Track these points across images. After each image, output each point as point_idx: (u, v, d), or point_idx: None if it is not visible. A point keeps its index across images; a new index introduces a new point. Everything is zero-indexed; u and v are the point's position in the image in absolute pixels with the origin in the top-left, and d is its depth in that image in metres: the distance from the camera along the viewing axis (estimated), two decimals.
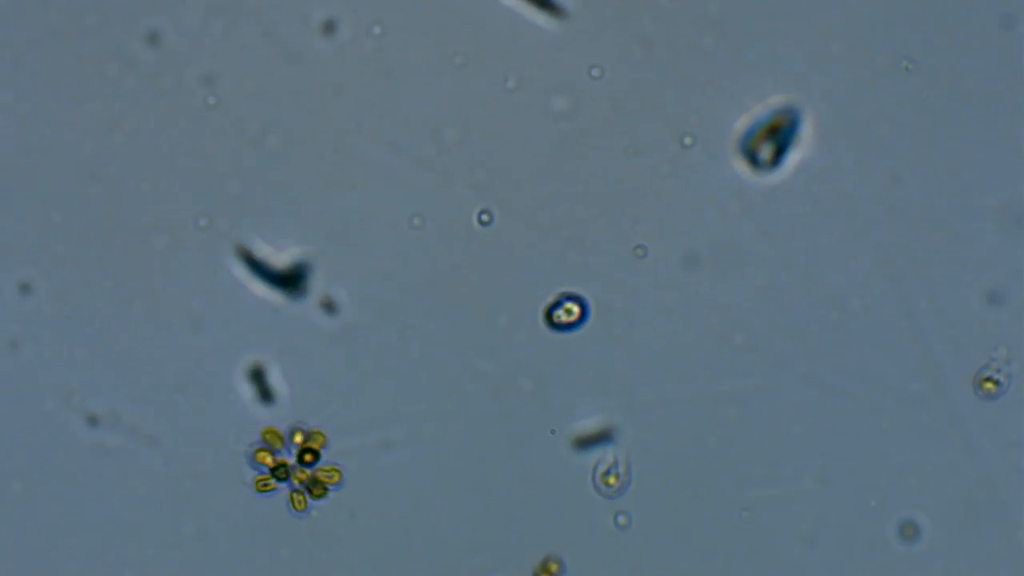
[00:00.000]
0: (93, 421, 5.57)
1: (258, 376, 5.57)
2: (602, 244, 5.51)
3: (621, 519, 5.54)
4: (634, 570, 5.56)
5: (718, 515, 5.55)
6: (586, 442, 5.55)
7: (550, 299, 5.53)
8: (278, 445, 5.50)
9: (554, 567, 5.57)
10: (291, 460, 5.50)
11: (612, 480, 5.52)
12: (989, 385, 5.47)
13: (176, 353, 5.58)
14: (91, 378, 5.58)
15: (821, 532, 5.52)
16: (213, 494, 5.58)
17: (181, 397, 5.58)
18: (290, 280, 5.56)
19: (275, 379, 5.57)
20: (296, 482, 5.50)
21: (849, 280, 5.49)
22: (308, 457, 5.51)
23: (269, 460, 5.50)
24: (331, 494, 5.52)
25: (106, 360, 5.59)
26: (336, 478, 5.49)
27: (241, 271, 5.55)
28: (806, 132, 5.45)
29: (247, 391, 5.57)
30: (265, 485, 5.51)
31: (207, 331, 5.56)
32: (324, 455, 5.50)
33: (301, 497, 5.51)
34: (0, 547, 5.58)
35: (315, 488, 5.51)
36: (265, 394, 5.57)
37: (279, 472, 5.49)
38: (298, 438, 5.50)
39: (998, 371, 5.46)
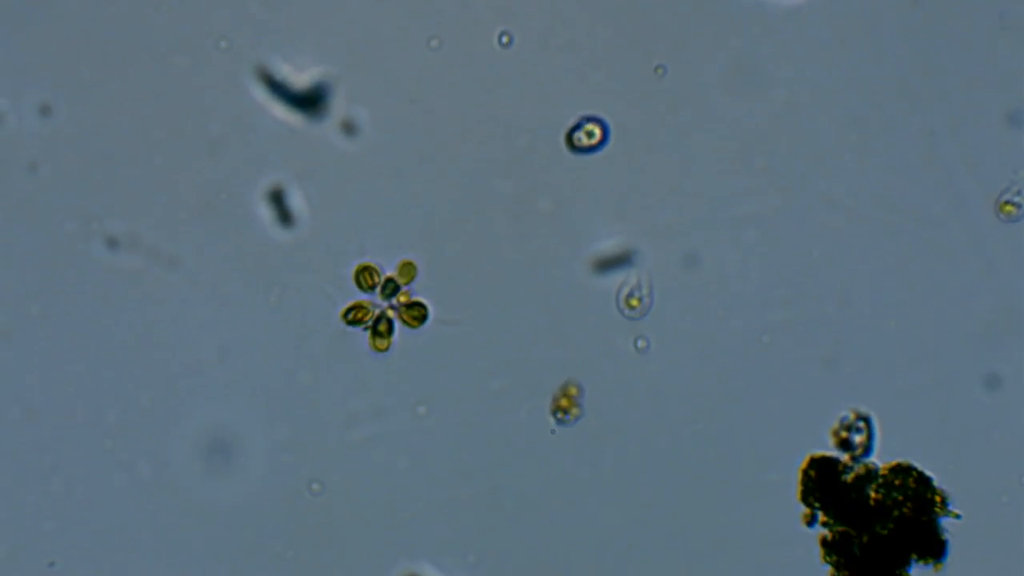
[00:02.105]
0: (112, 244, 5.56)
1: (277, 198, 5.57)
2: (623, 65, 5.50)
3: (640, 343, 5.54)
4: (653, 394, 5.56)
5: (737, 339, 5.54)
6: (606, 264, 5.55)
7: (571, 121, 5.52)
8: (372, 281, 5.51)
9: (573, 391, 5.57)
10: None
11: (635, 302, 5.51)
12: (1009, 208, 5.46)
13: (196, 175, 5.58)
14: (110, 201, 5.58)
15: (841, 355, 5.52)
16: (234, 316, 5.59)
17: (201, 219, 5.58)
18: (310, 101, 5.55)
19: (294, 201, 5.56)
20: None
21: (869, 102, 5.48)
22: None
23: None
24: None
25: (125, 183, 5.59)
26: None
27: (261, 93, 5.54)
28: None
29: (266, 213, 5.56)
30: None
31: (227, 153, 5.56)
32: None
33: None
34: (19, 369, 5.58)
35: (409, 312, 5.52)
36: (284, 216, 5.57)
37: (387, 288, 5.48)
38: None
39: (1018, 194, 5.45)
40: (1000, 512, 5.44)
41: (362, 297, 5.53)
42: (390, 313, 5.53)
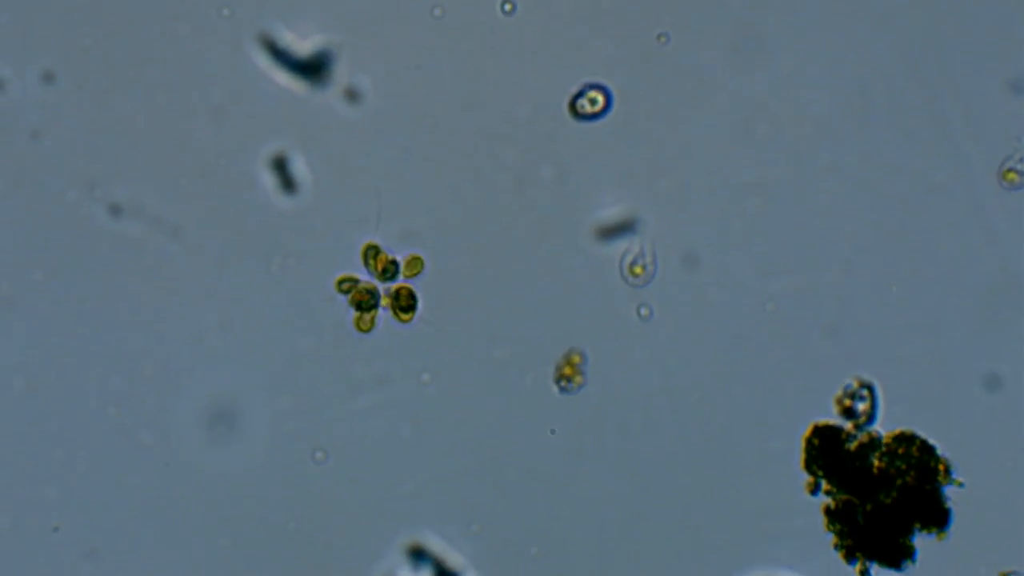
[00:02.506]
0: (116, 211, 5.56)
1: (280, 165, 5.56)
2: (626, 33, 5.50)
3: (643, 310, 5.54)
4: (656, 362, 5.55)
5: (742, 307, 5.54)
6: (609, 232, 5.54)
7: (574, 89, 5.52)
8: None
9: (576, 359, 5.56)
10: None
11: (638, 270, 5.51)
12: (1012, 176, 5.46)
13: (199, 143, 5.58)
14: (113, 168, 5.58)
15: (844, 322, 5.52)
16: (236, 284, 5.58)
17: (204, 187, 5.58)
18: (313, 69, 5.55)
19: (297, 168, 5.56)
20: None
21: (873, 69, 5.48)
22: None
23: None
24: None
25: (128, 150, 5.58)
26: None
27: (264, 60, 5.54)
28: None
29: (269, 180, 5.56)
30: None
31: (229, 120, 5.56)
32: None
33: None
34: (21, 337, 5.58)
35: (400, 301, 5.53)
36: (287, 183, 5.56)
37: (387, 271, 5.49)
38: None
39: (1021, 161, 5.45)
40: (1003, 480, 5.44)
41: (362, 275, 5.53)
42: (384, 301, 5.52)
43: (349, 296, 5.49)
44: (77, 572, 5.54)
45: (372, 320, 5.51)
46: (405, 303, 5.52)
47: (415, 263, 5.50)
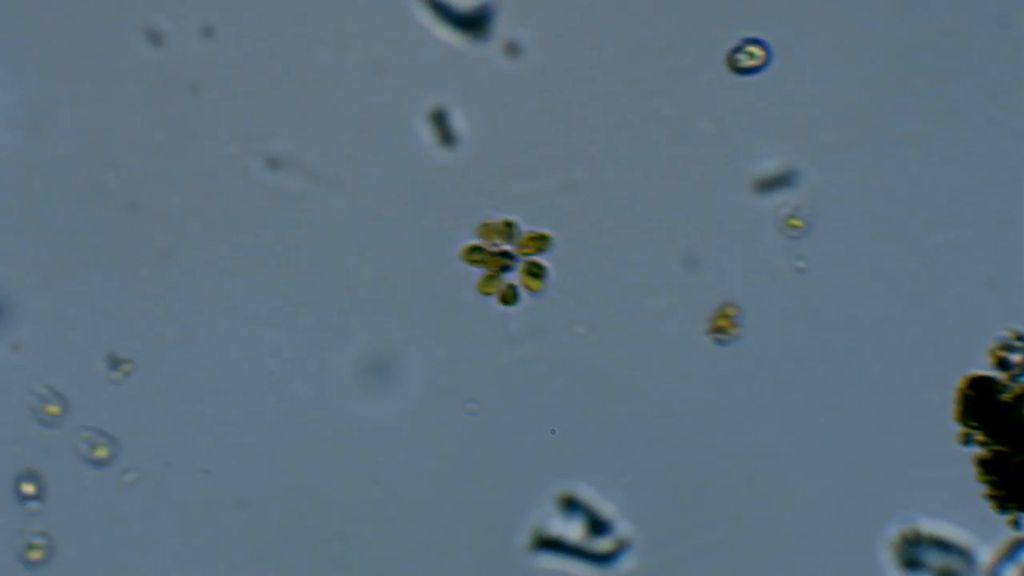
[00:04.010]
0: (274, 164, 5.60)
1: (440, 119, 5.60)
2: None
3: (799, 263, 5.59)
4: (811, 315, 5.60)
5: (896, 259, 5.59)
6: (767, 185, 5.59)
7: (732, 43, 5.56)
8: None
9: (731, 311, 5.62)
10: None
11: (796, 222, 5.56)
12: None
13: (358, 97, 5.61)
14: (272, 122, 5.62)
15: (1000, 274, 5.57)
16: (393, 237, 5.63)
17: (363, 141, 5.62)
18: (473, 23, 5.59)
19: (457, 122, 5.60)
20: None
21: None
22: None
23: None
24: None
25: (288, 105, 5.62)
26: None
27: (424, 15, 5.58)
28: None
29: (428, 134, 5.60)
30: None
31: (389, 75, 5.60)
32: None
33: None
34: (178, 289, 5.63)
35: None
36: (446, 137, 5.60)
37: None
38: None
39: None
40: None
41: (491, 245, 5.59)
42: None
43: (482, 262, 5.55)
44: (230, 519, 5.61)
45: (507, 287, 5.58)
46: (537, 271, 5.59)
47: (540, 241, 5.56)
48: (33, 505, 5.57)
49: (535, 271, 5.58)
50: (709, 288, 5.62)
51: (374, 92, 5.59)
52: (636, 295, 5.62)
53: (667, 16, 5.57)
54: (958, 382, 5.55)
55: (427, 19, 5.57)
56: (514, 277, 5.59)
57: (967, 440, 5.56)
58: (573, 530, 5.60)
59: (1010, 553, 5.54)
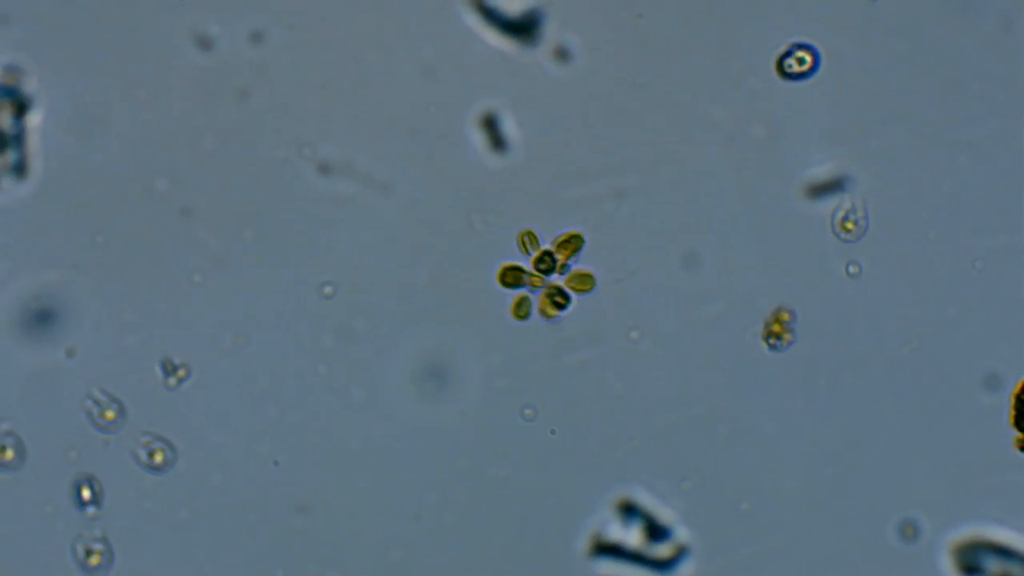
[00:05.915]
0: (325, 169, 5.59)
1: (490, 124, 5.59)
2: None
3: (852, 268, 5.56)
4: (865, 319, 5.57)
5: (950, 265, 5.56)
6: (820, 190, 5.57)
7: (781, 48, 5.55)
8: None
9: (786, 316, 5.59)
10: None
11: (850, 225, 5.54)
12: None
13: (409, 102, 5.61)
14: (322, 126, 5.61)
15: None
16: (445, 241, 5.61)
17: (414, 145, 5.61)
18: (523, 28, 5.58)
19: (507, 127, 5.59)
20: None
21: None
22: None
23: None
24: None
25: (338, 109, 5.62)
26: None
27: (473, 19, 5.58)
28: None
29: (479, 139, 5.59)
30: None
31: (440, 79, 5.59)
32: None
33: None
34: (231, 295, 5.61)
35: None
36: (497, 142, 5.59)
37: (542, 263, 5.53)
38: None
39: None
40: None
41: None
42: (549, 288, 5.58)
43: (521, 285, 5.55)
44: (287, 525, 5.58)
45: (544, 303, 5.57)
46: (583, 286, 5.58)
47: (585, 280, 5.56)
48: (91, 511, 5.55)
49: (559, 300, 5.58)
50: (763, 293, 5.60)
51: (424, 97, 5.59)
52: (690, 300, 5.60)
53: (716, 21, 5.57)
54: (1015, 387, 5.51)
55: (476, 24, 5.57)
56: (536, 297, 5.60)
57: None
58: (632, 536, 5.57)
59: None
